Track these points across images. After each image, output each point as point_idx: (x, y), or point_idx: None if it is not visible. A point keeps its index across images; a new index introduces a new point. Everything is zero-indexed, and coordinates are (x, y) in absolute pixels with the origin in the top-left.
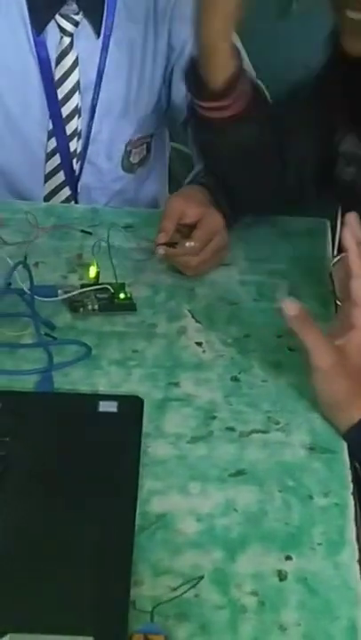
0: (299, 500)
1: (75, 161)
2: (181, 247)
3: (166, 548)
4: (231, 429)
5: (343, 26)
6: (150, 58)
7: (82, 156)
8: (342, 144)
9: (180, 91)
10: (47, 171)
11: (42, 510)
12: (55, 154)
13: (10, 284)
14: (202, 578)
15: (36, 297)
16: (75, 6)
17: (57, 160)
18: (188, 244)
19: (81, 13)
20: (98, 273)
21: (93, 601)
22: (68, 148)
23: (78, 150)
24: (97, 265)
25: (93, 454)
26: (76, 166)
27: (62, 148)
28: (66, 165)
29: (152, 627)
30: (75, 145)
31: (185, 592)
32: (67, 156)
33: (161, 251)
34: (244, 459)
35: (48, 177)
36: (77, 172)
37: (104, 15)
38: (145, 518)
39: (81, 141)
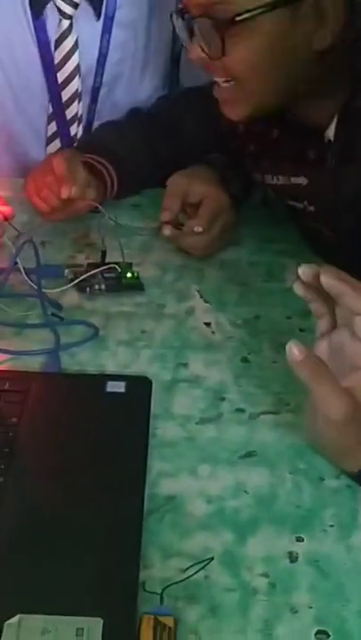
0: (310, 482)
1: (76, 144)
2: (187, 229)
3: (176, 530)
4: (241, 411)
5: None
6: (155, 38)
7: None
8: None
9: (189, 76)
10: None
11: (49, 493)
12: (56, 138)
13: (16, 263)
14: (212, 559)
15: (42, 277)
16: None
17: (57, 144)
18: (196, 228)
19: None
20: (104, 252)
21: (102, 583)
22: (69, 132)
23: (79, 135)
24: (103, 244)
25: (101, 435)
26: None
27: (62, 133)
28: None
29: (162, 608)
30: (75, 129)
31: (195, 573)
32: (67, 141)
33: (167, 231)
34: (254, 440)
35: None
36: None
37: None
38: (154, 500)
39: (82, 126)
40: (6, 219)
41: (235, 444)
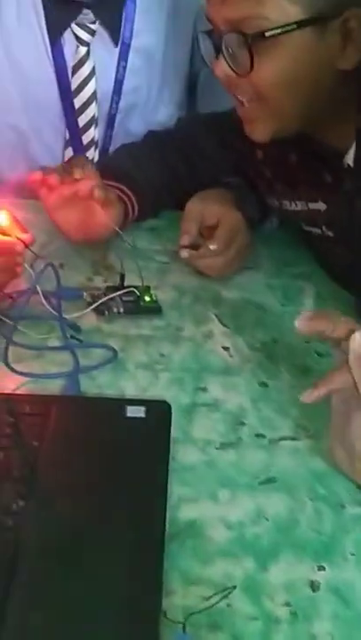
0: (330, 509)
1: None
2: (205, 250)
3: (197, 556)
4: (261, 436)
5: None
6: (172, 65)
7: None
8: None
9: (205, 99)
10: None
11: (70, 518)
12: None
13: (35, 285)
14: (234, 588)
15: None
16: (91, 15)
17: None
18: (211, 246)
19: (97, 22)
20: (123, 275)
21: (124, 610)
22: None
23: (95, 160)
24: (122, 267)
25: (122, 460)
26: None
27: None
28: None
29: (184, 637)
30: (92, 154)
31: (217, 602)
32: None
33: (185, 253)
34: (274, 466)
35: None
36: None
37: (122, 23)
38: (175, 525)
39: (98, 151)
40: (26, 246)
41: (255, 470)
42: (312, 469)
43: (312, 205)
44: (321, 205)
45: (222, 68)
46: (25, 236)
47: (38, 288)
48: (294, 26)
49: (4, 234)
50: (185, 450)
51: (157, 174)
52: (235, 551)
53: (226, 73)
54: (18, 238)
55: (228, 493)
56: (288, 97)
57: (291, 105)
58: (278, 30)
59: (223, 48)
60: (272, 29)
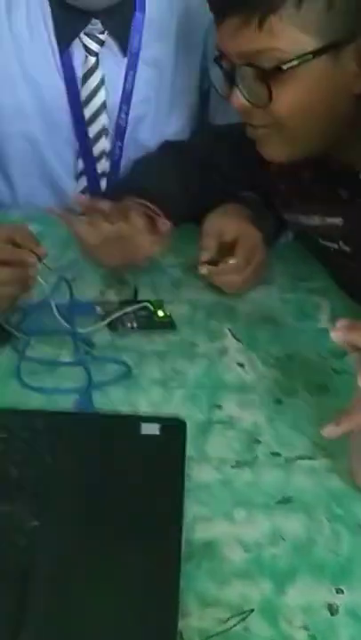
0: (348, 530)
1: (103, 182)
2: (225, 266)
3: (213, 577)
4: (276, 454)
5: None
6: (182, 77)
7: (111, 178)
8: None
9: (218, 112)
10: (77, 192)
11: (84, 537)
12: (82, 176)
13: (49, 299)
14: (252, 611)
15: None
16: (99, 25)
17: (84, 182)
18: (231, 261)
19: (106, 32)
20: (136, 290)
21: (140, 632)
22: (96, 169)
23: (107, 171)
24: (136, 282)
25: (137, 479)
26: (106, 186)
27: (90, 169)
28: (93, 186)
29: None
30: (103, 166)
31: (234, 625)
32: (94, 178)
33: (204, 270)
34: (291, 485)
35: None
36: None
37: (130, 34)
38: (190, 546)
39: (109, 162)
40: (40, 259)
41: (271, 489)
42: (329, 489)
43: (329, 220)
44: (338, 220)
45: (238, 98)
46: (38, 249)
47: (52, 302)
48: (310, 56)
49: (17, 246)
50: (200, 468)
51: (176, 190)
52: (252, 573)
53: (242, 104)
54: (31, 250)
55: (244, 513)
56: (305, 124)
57: (307, 130)
58: (295, 62)
59: (238, 79)
60: (289, 61)
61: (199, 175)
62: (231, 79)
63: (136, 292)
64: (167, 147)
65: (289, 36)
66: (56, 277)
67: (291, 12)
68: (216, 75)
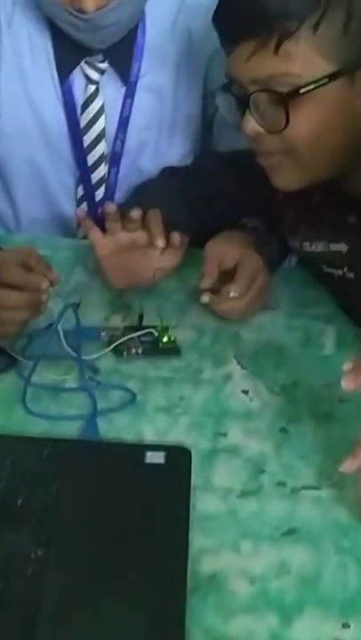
0: (355, 562)
1: (101, 208)
2: (225, 294)
3: (220, 611)
4: (282, 484)
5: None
6: (183, 104)
7: (108, 202)
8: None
9: (222, 138)
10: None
11: (89, 567)
12: (83, 202)
13: (51, 324)
14: None
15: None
16: (100, 55)
17: (84, 207)
18: (232, 294)
19: (107, 62)
20: (141, 316)
21: None
22: (94, 196)
23: (102, 197)
24: (141, 307)
25: (142, 509)
26: (102, 212)
27: (89, 196)
28: (93, 212)
29: None
30: (101, 192)
31: None
32: (94, 204)
33: (206, 298)
34: (297, 516)
35: (79, 224)
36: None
37: (131, 62)
38: (196, 578)
39: (107, 188)
40: (52, 284)
41: (277, 520)
42: (335, 520)
43: (334, 247)
44: (343, 247)
45: (252, 126)
46: (51, 274)
47: (60, 329)
48: (326, 80)
49: (29, 270)
50: (205, 498)
51: (183, 216)
52: (258, 606)
53: (256, 130)
54: (45, 276)
55: (250, 545)
56: (319, 149)
57: (320, 156)
58: (311, 86)
59: (251, 106)
60: (305, 86)
61: (205, 201)
62: (243, 106)
63: (141, 318)
64: (171, 172)
65: (304, 60)
66: (62, 302)
67: (307, 36)
68: (224, 102)
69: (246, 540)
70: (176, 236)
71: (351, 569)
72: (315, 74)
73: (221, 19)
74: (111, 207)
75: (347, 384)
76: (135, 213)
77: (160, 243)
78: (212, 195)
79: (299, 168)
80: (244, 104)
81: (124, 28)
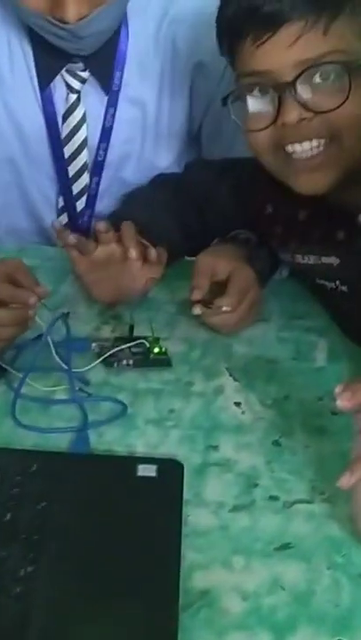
0: (349, 579)
1: (84, 219)
2: (217, 307)
3: (212, 628)
4: (274, 498)
5: (288, 168)
6: (167, 117)
7: (87, 213)
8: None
9: (214, 148)
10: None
11: (79, 584)
12: (63, 212)
13: (40, 335)
14: None
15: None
16: (81, 64)
17: (65, 219)
18: (224, 308)
19: (88, 70)
20: (132, 327)
21: None
22: (75, 206)
23: (84, 207)
24: (132, 318)
25: (134, 524)
26: (82, 221)
27: (69, 207)
28: (74, 224)
29: None
30: (83, 203)
31: None
32: (75, 214)
33: (197, 310)
34: (289, 531)
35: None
36: (86, 227)
37: (113, 71)
38: (188, 595)
39: (88, 197)
40: (40, 299)
41: (269, 535)
42: (328, 536)
43: (325, 260)
44: (334, 260)
45: (295, 112)
46: (38, 289)
47: (50, 340)
48: None
49: (16, 283)
50: (197, 513)
51: (173, 226)
52: (251, 624)
53: (301, 117)
54: (33, 291)
55: (242, 560)
56: (358, 137)
57: (356, 146)
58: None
59: (299, 87)
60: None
61: (195, 211)
62: (279, 95)
63: (132, 329)
64: (161, 181)
65: (352, 39)
66: (51, 314)
67: (348, 17)
68: (238, 109)
69: (238, 556)
70: (152, 252)
71: (345, 585)
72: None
73: (253, 8)
74: (101, 225)
75: (343, 404)
76: (101, 226)
77: (133, 254)
78: (202, 204)
79: (335, 161)
80: (279, 93)
81: (106, 37)
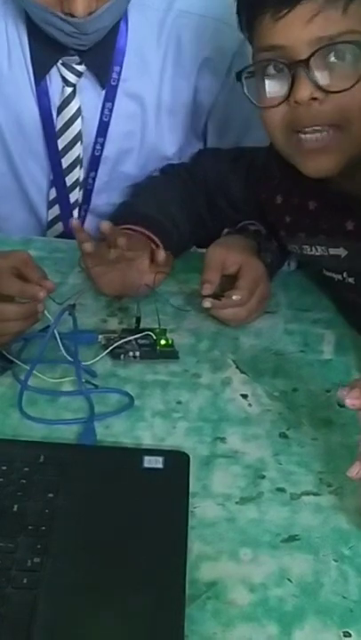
0: (356, 571)
1: (76, 212)
2: (228, 300)
3: (219, 620)
4: (282, 490)
5: (297, 150)
6: (167, 111)
7: (83, 207)
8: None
9: (218, 143)
10: (49, 219)
11: (85, 576)
12: (55, 204)
13: (47, 327)
14: None
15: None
16: (77, 57)
17: (56, 211)
18: (235, 297)
19: (83, 64)
20: (139, 319)
21: None
22: (68, 198)
23: (80, 201)
24: (139, 310)
25: (140, 515)
26: (78, 215)
27: (62, 199)
28: (65, 216)
29: None
30: (76, 195)
31: None
32: (67, 207)
33: (207, 303)
34: (297, 523)
35: (49, 226)
36: (82, 221)
37: (110, 66)
38: (195, 586)
39: (82, 192)
40: (49, 293)
41: (276, 527)
42: (336, 528)
43: (332, 251)
44: (342, 251)
45: (309, 90)
46: (46, 283)
47: (56, 333)
48: None
49: (23, 277)
50: (204, 504)
51: (182, 217)
52: (258, 615)
53: (312, 95)
54: (41, 285)
55: (249, 552)
56: None
57: None
58: None
59: (313, 65)
60: None
61: (206, 201)
62: (293, 72)
63: (139, 321)
64: (171, 171)
65: None
66: (58, 306)
67: None
68: (252, 85)
69: (246, 548)
70: (161, 253)
71: (352, 577)
72: None
73: None
74: (87, 247)
75: (352, 402)
76: (105, 227)
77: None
78: (213, 193)
79: (343, 146)
80: (294, 70)
81: (106, 32)
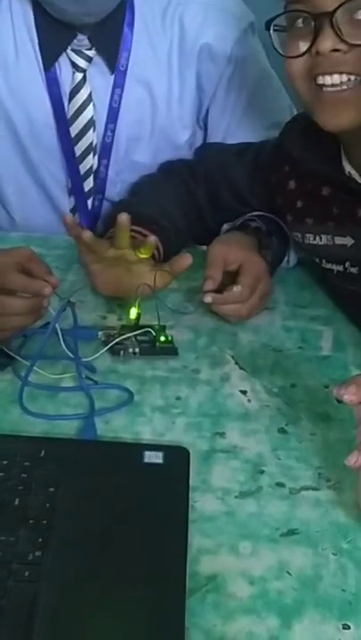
0: (354, 564)
1: (91, 200)
2: (229, 293)
3: (219, 613)
4: (281, 485)
5: (316, 100)
6: (176, 98)
7: (97, 196)
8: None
9: (217, 134)
10: (68, 210)
11: (87, 569)
12: (71, 195)
13: (47, 323)
14: None
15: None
16: (86, 41)
17: (72, 201)
18: (235, 288)
19: (94, 49)
20: (139, 315)
21: None
22: (82, 187)
23: (94, 190)
24: (138, 306)
25: (141, 510)
26: (92, 205)
27: (76, 188)
28: (81, 205)
29: None
30: (90, 184)
31: None
32: (82, 196)
33: (208, 299)
34: (296, 517)
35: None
36: (96, 211)
37: (119, 50)
38: (195, 579)
39: (97, 180)
40: (54, 288)
41: (276, 521)
42: (334, 522)
43: (338, 240)
44: (348, 240)
45: (331, 41)
46: (50, 278)
47: (58, 328)
48: None
49: (28, 273)
50: (204, 499)
51: (180, 216)
52: (258, 608)
53: (335, 46)
54: (46, 280)
55: (249, 546)
56: None
57: None
58: None
59: (339, 16)
60: None
61: (210, 197)
62: (318, 24)
63: (139, 318)
64: (170, 168)
65: None
66: (59, 302)
67: None
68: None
69: (245, 541)
70: (151, 238)
71: (350, 570)
72: None
73: None
74: (86, 235)
75: (350, 398)
76: (123, 218)
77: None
78: (215, 187)
79: (360, 100)
80: (319, 22)
81: (110, 6)
